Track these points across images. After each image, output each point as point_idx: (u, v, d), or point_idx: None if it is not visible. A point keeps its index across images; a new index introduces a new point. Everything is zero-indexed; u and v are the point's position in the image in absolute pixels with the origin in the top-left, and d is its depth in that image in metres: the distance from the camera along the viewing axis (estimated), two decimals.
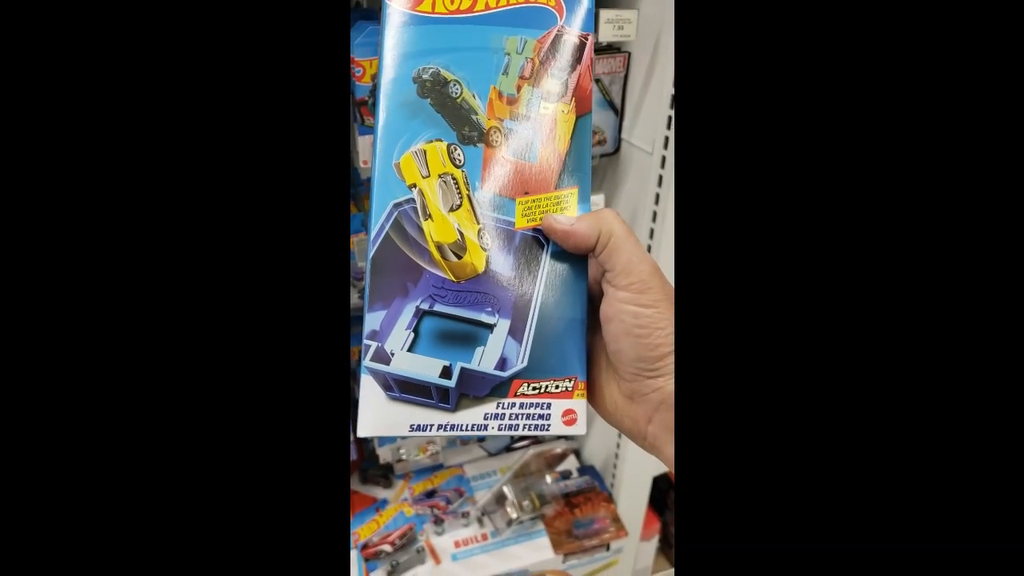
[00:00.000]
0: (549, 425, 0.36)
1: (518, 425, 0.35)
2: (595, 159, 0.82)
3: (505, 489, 0.93)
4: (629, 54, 0.76)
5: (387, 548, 0.89)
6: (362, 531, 0.92)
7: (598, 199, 0.77)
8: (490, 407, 0.35)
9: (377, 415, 0.34)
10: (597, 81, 0.76)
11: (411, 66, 0.35)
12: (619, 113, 0.79)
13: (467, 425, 0.35)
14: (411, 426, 0.34)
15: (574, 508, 0.94)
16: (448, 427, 0.35)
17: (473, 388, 0.35)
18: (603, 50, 0.75)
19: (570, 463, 1.02)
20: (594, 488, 0.97)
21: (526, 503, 0.92)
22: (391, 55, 0.35)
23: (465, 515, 0.93)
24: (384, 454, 0.93)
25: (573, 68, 0.36)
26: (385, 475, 0.99)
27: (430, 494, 0.97)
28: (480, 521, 0.93)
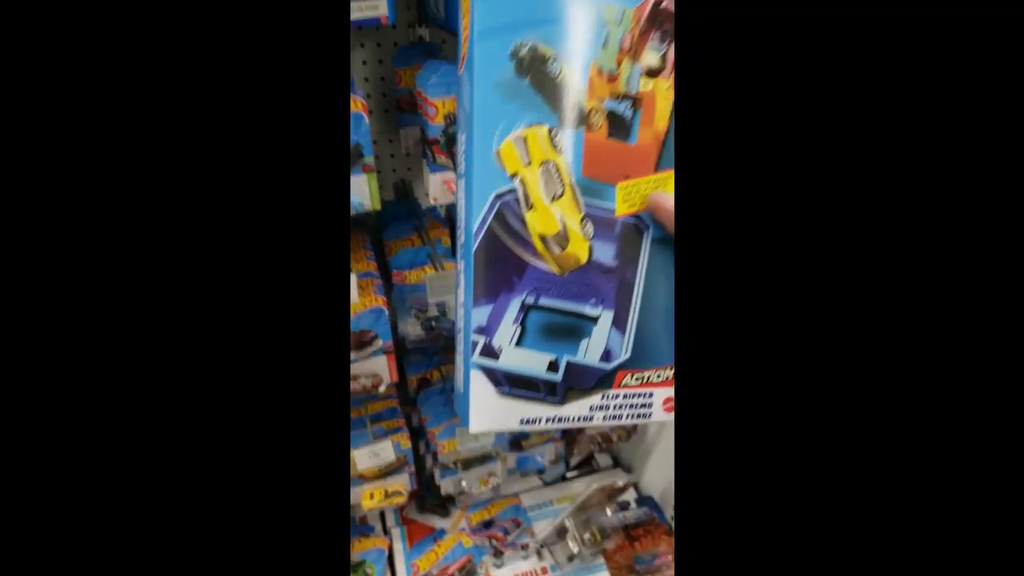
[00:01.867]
0: (651, 413, 0.36)
1: (622, 415, 0.36)
2: None
3: (566, 522, 0.93)
4: None
5: None
6: (421, 562, 0.91)
7: None
8: (596, 399, 0.35)
9: (488, 411, 0.35)
10: None
11: (502, 40, 0.32)
12: None
13: (574, 417, 0.35)
14: (521, 420, 0.35)
15: (634, 541, 0.93)
16: (556, 419, 0.35)
17: (579, 381, 0.35)
18: None
19: (628, 495, 1.01)
20: (653, 520, 0.96)
21: (587, 536, 0.91)
22: (480, 25, 0.32)
23: (524, 547, 0.92)
24: (446, 486, 0.93)
25: (672, 39, 0.34)
26: (443, 504, 0.99)
27: (487, 524, 0.96)
28: (539, 554, 0.92)
